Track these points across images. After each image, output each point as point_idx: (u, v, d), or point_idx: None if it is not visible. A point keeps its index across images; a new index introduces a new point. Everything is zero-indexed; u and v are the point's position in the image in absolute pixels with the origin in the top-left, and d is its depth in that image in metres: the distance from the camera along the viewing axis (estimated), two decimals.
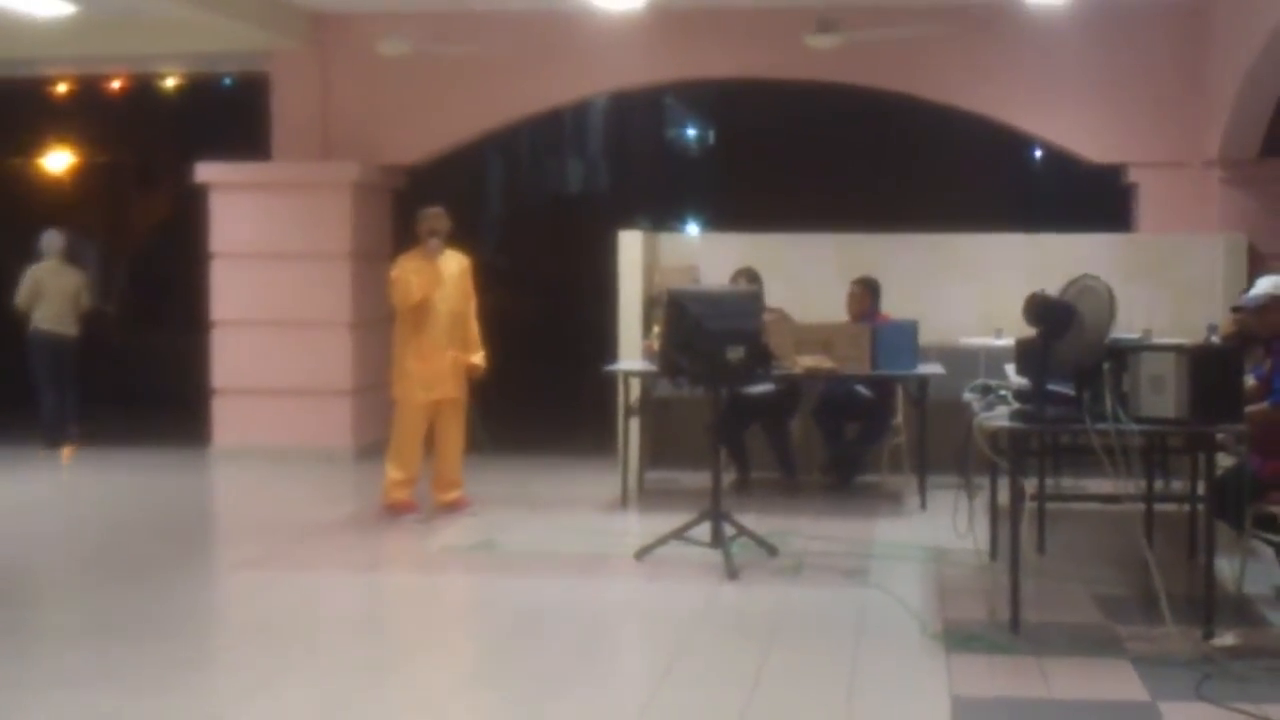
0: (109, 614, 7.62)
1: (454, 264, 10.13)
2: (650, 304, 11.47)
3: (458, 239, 10.31)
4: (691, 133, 28.93)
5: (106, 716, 5.81)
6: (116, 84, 16.09)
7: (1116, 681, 6.17)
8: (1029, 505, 7.82)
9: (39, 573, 8.87)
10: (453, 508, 10.15)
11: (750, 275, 11.23)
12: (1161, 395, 6.63)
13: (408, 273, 9.95)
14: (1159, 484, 8.64)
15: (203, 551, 9.66)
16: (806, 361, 10.37)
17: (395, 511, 10.01)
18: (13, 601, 7.83)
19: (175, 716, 5.87)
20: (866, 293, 11.27)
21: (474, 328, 10.23)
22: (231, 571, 8.81)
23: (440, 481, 10.21)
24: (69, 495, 12.39)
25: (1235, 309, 8.33)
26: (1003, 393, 7.39)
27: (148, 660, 6.61)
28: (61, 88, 16.42)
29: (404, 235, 10.17)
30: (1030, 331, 6.97)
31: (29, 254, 14.22)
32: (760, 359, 8.60)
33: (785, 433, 11.39)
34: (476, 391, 10.30)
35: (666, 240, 12.82)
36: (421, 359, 10.01)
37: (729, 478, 10.89)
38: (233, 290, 13.16)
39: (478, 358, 10.17)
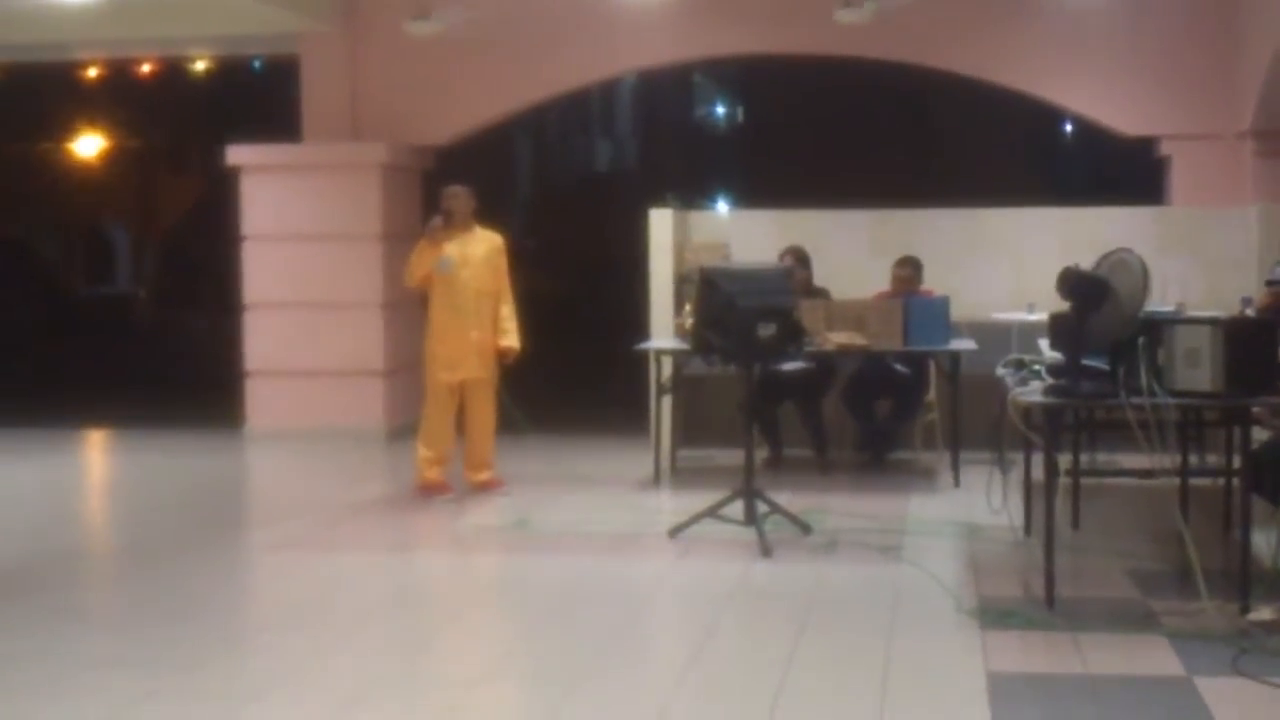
0: (143, 595, 7.66)
1: (483, 244, 10.11)
2: (681, 282, 11.45)
3: (488, 219, 10.31)
4: (720, 110, 28.89)
5: (141, 697, 5.84)
6: (147, 68, 16.14)
7: (1152, 656, 6.14)
8: (1063, 480, 7.79)
9: (73, 554, 8.91)
10: (485, 488, 10.16)
11: (798, 255, 11.14)
12: (1197, 369, 6.59)
13: (414, 253, 10.03)
14: (1194, 458, 8.58)
15: (237, 532, 9.70)
16: (838, 338, 10.34)
17: (428, 492, 10.03)
18: (47, 582, 7.87)
19: (210, 696, 5.89)
20: (915, 273, 11.21)
21: (507, 310, 10.16)
22: (265, 552, 8.84)
23: (471, 461, 10.21)
24: (103, 477, 12.48)
25: (1270, 283, 8.27)
26: (1036, 368, 7.36)
27: (182, 641, 6.64)
28: (92, 72, 16.47)
29: (433, 216, 10.19)
30: (1064, 306, 6.94)
31: (61, 236, 14.37)
32: (792, 336, 8.57)
33: (818, 410, 11.35)
34: (507, 372, 10.30)
35: (697, 218, 12.79)
36: (442, 339, 10.02)
37: (761, 455, 10.87)
38: (264, 272, 13.20)
39: (508, 340, 10.13)
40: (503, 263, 10.20)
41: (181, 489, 11.08)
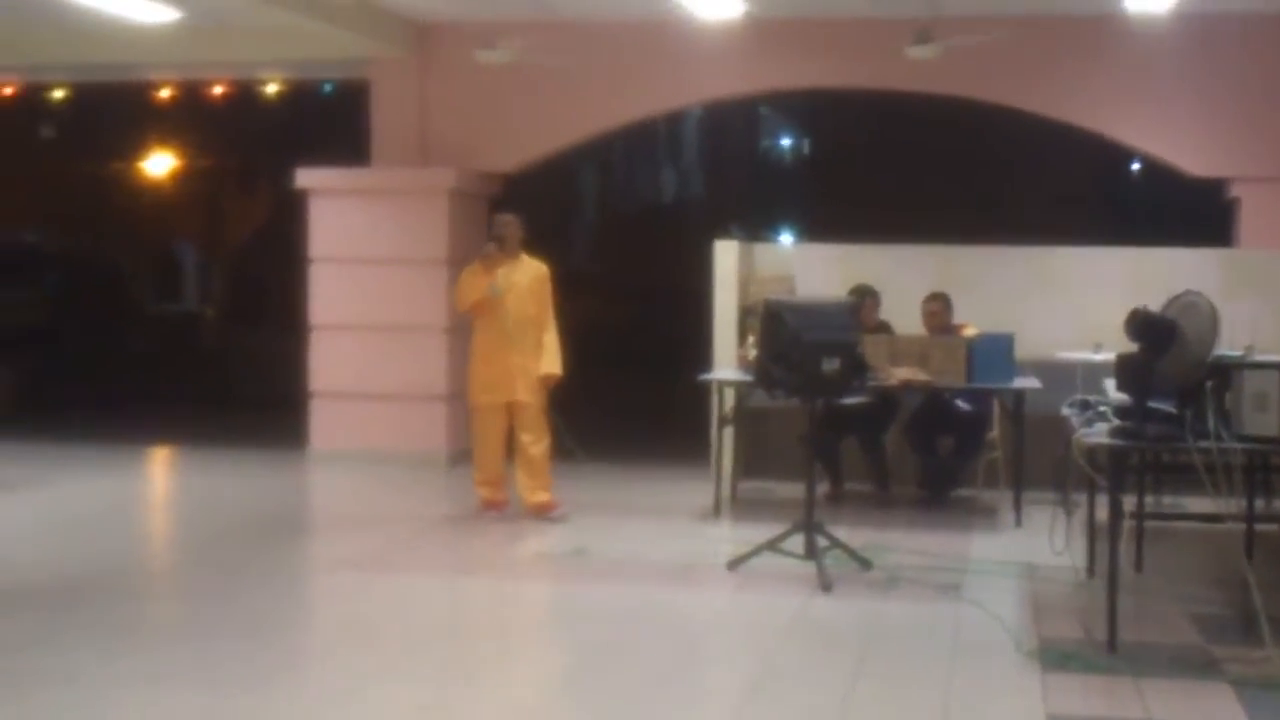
0: (204, 612, 7.72)
1: (529, 272, 10.24)
2: (745, 313, 11.45)
3: (553, 246, 10.37)
4: (786, 143, 28.90)
5: (198, 714, 5.88)
6: (219, 90, 16.30)
7: (1215, 704, 6.08)
8: (1128, 523, 7.73)
9: (137, 570, 8.99)
10: (541, 510, 10.19)
11: (869, 294, 11.08)
12: (1265, 413, 6.54)
13: (465, 276, 10.22)
14: (1261, 503, 8.50)
15: (298, 552, 9.76)
16: (902, 374, 10.32)
17: (485, 508, 10.27)
18: (111, 597, 7.94)
19: (267, 716, 5.93)
20: (945, 308, 11.16)
21: (550, 337, 10.25)
22: (326, 573, 8.89)
23: (526, 484, 10.26)
24: (167, 494, 12.59)
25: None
26: (1102, 409, 7.32)
27: (241, 659, 6.68)
28: (165, 93, 16.66)
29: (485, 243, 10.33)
30: (1131, 347, 6.90)
31: (131, 254, 14.52)
32: (856, 371, 8.56)
33: (880, 445, 11.33)
34: (563, 399, 10.35)
35: (761, 250, 12.79)
36: (485, 362, 10.21)
37: (822, 489, 10.84)
38: (331, 294, 13.29)
39: (548, 367, 10.20)
40: (547, 291, 10.30)
41: (245, 507, 11.15)
